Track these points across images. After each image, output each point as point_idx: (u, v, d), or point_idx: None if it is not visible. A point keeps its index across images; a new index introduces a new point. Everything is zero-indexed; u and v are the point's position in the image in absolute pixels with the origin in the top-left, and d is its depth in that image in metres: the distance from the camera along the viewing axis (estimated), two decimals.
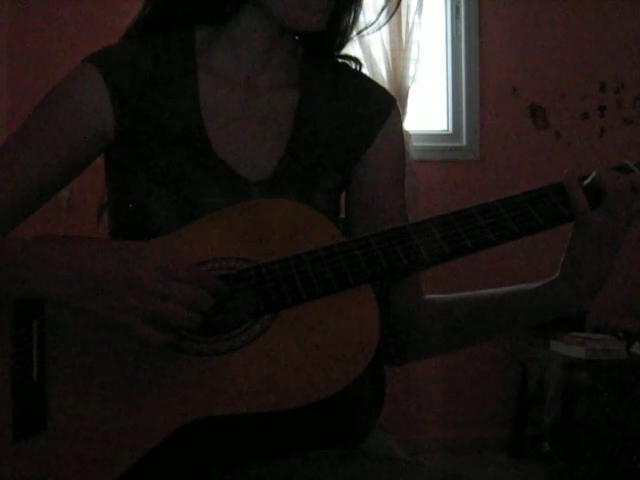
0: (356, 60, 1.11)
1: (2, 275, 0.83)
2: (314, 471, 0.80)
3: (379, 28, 1.09)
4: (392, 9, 1.08)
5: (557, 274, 0.92)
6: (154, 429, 0.76)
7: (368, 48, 3.24)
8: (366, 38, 1.12)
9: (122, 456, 0.76)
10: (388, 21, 1.09)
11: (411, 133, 3.25)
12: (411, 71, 3.30)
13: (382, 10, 1.07)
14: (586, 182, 0.88)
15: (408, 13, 3.27)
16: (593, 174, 0.88)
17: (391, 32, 3.26)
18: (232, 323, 0.83)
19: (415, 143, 3.32)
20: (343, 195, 1.09)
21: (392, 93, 1.13)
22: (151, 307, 0.77)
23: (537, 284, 0.94)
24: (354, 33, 1.07)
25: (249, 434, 0.78)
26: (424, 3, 3.30)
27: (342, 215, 1.09)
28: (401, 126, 1.11)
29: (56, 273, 0.80)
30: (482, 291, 1.00)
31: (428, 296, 1.05)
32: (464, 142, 3.47)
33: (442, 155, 3.44)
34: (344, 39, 1.07)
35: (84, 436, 0.78)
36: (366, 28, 1.08)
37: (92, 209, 1.14)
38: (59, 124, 0.97)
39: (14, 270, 0.83)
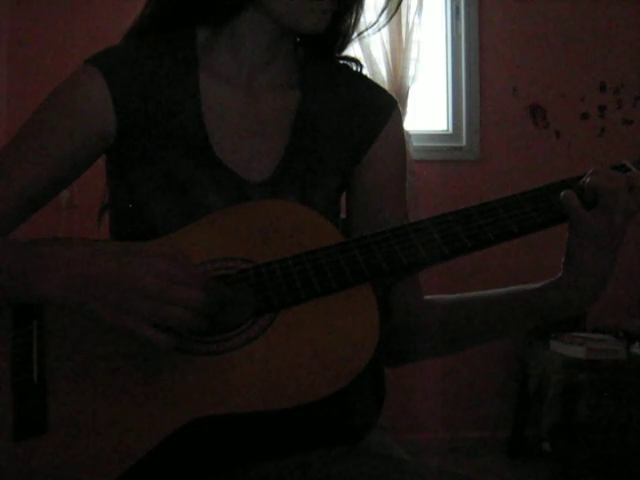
0: (357, 61, 1.11)
1: (4, 278, 0.83)
2: (314, 471, 0.80)
3: (379, 29, 1.09)
4: (392, 10, 1.09)
5: (559, 274, 0.92)
6: (154, 428, 0.76)
7: (368, 48, 3.24)
8: (366, 38, 1.13)
9: (122, 456, 0.76)
10: (389, 22, 1.09)
11: (411, 133, 3.25)
12: (411, 71, 3.30)
13: (382, 11, 1.07)
14: (582, 181, 0.88)
15: (408, 13, 3.27)
16: (589, 173, 0.88)
17: (391, 32, 3.25)
18: (232, 323, 0.83)
19: (415, 143, 3.32)
20: (343, 195, 1.09)
21: (392, 93, 1.13)
22: (157, 311, 0.77)
23: (539, 284, 0.94)
24: (355, 34, 1.07)
25: (249, 433, 0.79)
26: (424, 3, 3.30)
27: (342, 215, 1.10)
28: (402, 127, 1.11)
29: (60, 277, 0.80)
30: (482, 292, 1.00)
31: (428, 297, 1.05)
32: (464, 142, 3.47)
33: (442, 155, 3.44)
34: (345, 40, 1.07)
35: (84, 436, 0.78)
36: (367, 29, 1.08)
37: (92, 209, 1.14)
38: (61, 125, 0.97)
39: (17, 273, 0.82)
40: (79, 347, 0.84)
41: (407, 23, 3.28)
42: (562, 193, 0.87)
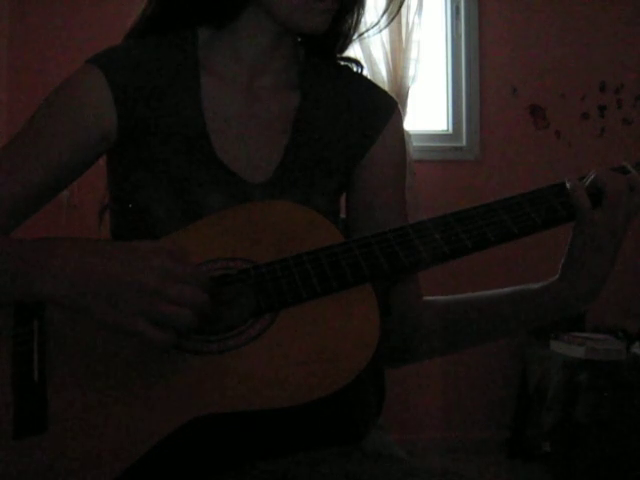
0: (357, 62, 1.11)
1: (5, 276, 0.83)
2: (314, 470, 0.80)
3: (380, 30, 1.09)
4: (394, 12, 1.09)
5: (558, 275, 0.92)
6: (154, 427, 0.76)
7: (368, 48, 3.25)
8: (366, 39, 1.13)
9: (122, 454, 0.76)
10: (390, 23, 1.09)
11: (411, 133, 3.25)
12: (411, 71, 3.30)
13: (384, 13, 1.07)
14: (585, 182, 0.89)
15: (408, 13, 3.27)
16: (592, 174, 0.88)
17: (391, 32, 3.26)
18: (233, 322, 0.83)
19: (415, 143, 3.32)
20: (343, 195, 1.09)
21: (392, 93, 1.13)
22: (154, 308, 0.77)
23: (538, 285, 0.94)
24: (355, 35, 1.07)
25: (249, 433, 0.79)
26: (424, 3, 3.31)
27: (342, 215, 1.10)
28: (402, 128, 1.11)
29: (60, 275, 0.80)
30: (482, 292, 1.00)
31: (428, 298, 1.06)
32: (464, 142, 3.47)
33: (442, 155, 3.44)
34: (346, 41, 1.07)
35: (84, 435, 0.78)
36: (367, 30, 1.08)
37: (92, 209, 1.14)
38: (62, 125, 0.97)
39: (18, 271, 0.83)
40: (79, 346, 0.84)
41: (407, 23, 3.28)
42: (573, 191, 0.87)
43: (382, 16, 1.07)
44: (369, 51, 3.26)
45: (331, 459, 0.81)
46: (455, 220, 0.88)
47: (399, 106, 1.11)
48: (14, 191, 0.95)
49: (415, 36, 3.30)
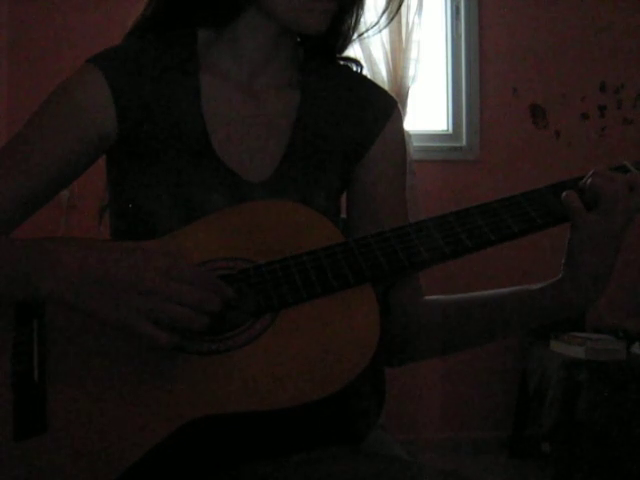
0: (357, 62, 1.12)
1: (8, 276, 0.84)
2: (315, 470, 0.80)
3: (380, 30, 1.09)
4: (393, 12, 1.09)
5: (559, 275, 0.92)
6: (154, 428, 0.76)
7: (368, 48, 3.25)
8: (366, 39, 1.13)
9: (122, 455, 0.76)
10: (389, 23, 1.09)
11: (411, 133, 3.25)
12: (411, 71, 3.30)
13: (383, 13, 1.07)
14: (583, 183, 0.88)
15: (408, 13, 3.27)
16: (590, 175, 0.88)
17: (391, 32, 3.26)
18: (233, 322, 0.83)
19: (415, 143, 3.32)
20: (344, 195, 1.09)
21: (392, 93, 1.13)
22: (156, 307, 0.77)
23: (539, 285, 0.94)
24: (355, 35, 1.07)
25: (250, 433, 0.79)
26: (424, 3, 3.31)
27: (343, 215, 1.10)
28: (402, 128, 1.11)
29: (62, 274, 0.80)
30: (482, 292, 1.00)
31: (428, 297, 1.05)
32: (464, 142, 3.47)
33: (442, 155, 3.44)
34: (346, 41, 1.07)
35: (85, 435, 0.78)
36: (367, 30, 1.08)
37: (92, 209, 1.14)
38: (62, 125, 0.97)
39: (19, 270, 0.83)
40: (79, 346, 0.84)
41: (407, 23, 3.28)
42: (563, 194, 0.88)
43: (382, 16, 1.07)
44: (369, 51, 3.26)
45: (331, 459, 0.81)
46: (455, 220, 0.88)
47: (399, 105, 1.11)
48: (14, 191, 0.95)
49: (415, 36, 3.30)
